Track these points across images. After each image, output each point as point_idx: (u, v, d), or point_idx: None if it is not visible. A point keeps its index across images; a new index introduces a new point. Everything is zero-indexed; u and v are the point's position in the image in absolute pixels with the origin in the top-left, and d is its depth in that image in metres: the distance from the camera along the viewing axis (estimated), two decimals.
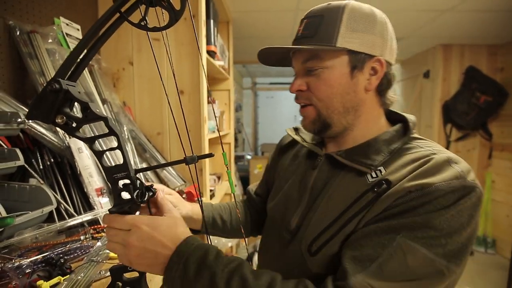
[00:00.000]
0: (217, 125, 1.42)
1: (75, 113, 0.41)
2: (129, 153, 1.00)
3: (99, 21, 0.38)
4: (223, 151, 0.42)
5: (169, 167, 1.13)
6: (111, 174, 0.43)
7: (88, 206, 0.81)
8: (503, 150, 2.61)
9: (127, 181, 0.43)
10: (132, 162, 0.98)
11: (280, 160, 0.72)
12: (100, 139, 0.54)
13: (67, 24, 0.99)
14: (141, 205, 0.45)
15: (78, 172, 0.81)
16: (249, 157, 4.50)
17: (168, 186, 1.07)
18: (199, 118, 1.19)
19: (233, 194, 0.44)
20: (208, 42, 1.31)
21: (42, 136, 0.79)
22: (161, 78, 0.94)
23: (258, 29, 2.18)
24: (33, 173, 0.77)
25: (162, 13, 0.46)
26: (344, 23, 0.48)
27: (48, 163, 0.81)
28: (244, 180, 3.49)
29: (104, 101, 1.05)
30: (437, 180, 0.40)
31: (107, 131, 0.41)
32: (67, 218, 0.74)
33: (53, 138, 0.81)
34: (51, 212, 0.72)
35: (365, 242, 0.42)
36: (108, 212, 0.43)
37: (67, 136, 0.84)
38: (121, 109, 1.13)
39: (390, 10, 1.75)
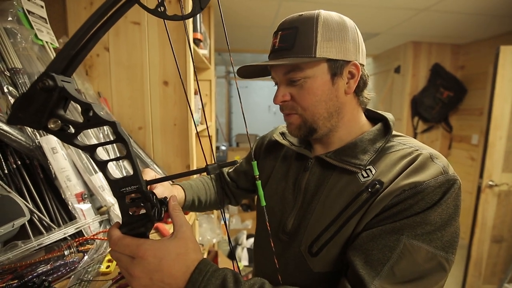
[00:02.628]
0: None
1: (70, 115, 0.34)
2: (110, 151, 0.90)
3: (106, 4, 0.30)
4: (253, 160, 0.38)
5: (154, 165, 1.05)
6: (118, 188, 0.36)
7: (67, 214, 0.71)
8: (461, 141, 2.87)
9: (134, 194, 0.37)
10: (115, 162, 0.88)
11: (267, 159, 0.72)
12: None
13: (29, 0, 0.83)
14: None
15: (53, 176, 0.70)
16: (223, 147, 4.42)
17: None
18: (185, 111, 1.11)
19: (264, 207, 0.40)
20: (194, 29, 1.21)
21: (5, 134, 0.67)
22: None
23: (240, 16, 2.08)
24: None
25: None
26: (320, 34, 0.49)
27: (14, 166, 0.69)
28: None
29: (79, 95, 0.92)
30: (426, 178, 0.44)
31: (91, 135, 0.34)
32: (43, 230, 0.64)
33: (19, 137, 0.69)
34: (23, 225, 0.61)
35: (372, 246, 0.44)
36: (112, 227, 0.37)
37: (37, 133, 0.72)
38: (97, 101, 1.00)
39: (372, 6, 1.77)
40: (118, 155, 0.94)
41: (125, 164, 0.97)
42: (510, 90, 1.82)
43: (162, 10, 0.32)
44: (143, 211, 0.37)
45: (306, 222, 0.53)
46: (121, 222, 0.38)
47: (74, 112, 0.81)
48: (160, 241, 0.37)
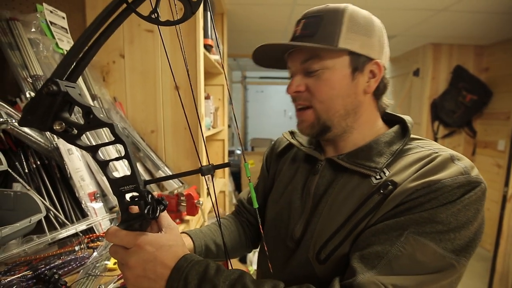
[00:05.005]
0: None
1: (76, 118, 0.36)
2: (122, 152, 0.94)
3: (103, 13, 0.33)
4: (246, 162, 0.39)
5: (165, 167, 1.08)
6: (117, 186, 0.38)
7: (81, 212, 0.75)
8: (486, 147, 2.71)
9: (135, 193, 0.39)
10: (126, 162, 0.92)
11: (278, 166, 0.68)
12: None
13: (51, 12, 0.90)
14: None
15: (68, 175, 0.75)
16: (239, 152, 4.46)
17: (165, 188, 1.02)
18: (195, 115, 1.14)
19: (256, 209, 0.40)
20: (205, 35, 1.25)
21: (26, 137, 0.72)
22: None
23: (252, 22, 2.11)
24: (17, 177, 0.70)
25: (175, 5, 0.41)
26: (345, 25, 0.48)
27: (34, 166, 0.74)
28: (236, 175, 3.46)
29: (94, 97, 0.97)
30: (443, 177, 0.40)
31: (103, 137, 0.36)
32: (57, 226, 0.68)
33: (39, 139, 0.74)
34: (39, 221, 0.65)
35: (373, 240, 0.42)
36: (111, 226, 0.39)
37: (55, 136, 0.77)
38: (112, 105, 1.05)
39: (388, 7, 1.74)
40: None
41: (137, 164, 1.01)
42: None
43: (155, 16, 0.34)
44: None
45: (313, 227, 0.51)
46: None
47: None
48: (155, 234, 0.39)
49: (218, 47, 0.44)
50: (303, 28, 0.50)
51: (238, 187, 3.63)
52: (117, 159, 0.38)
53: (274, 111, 5.54)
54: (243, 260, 2.35)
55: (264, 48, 0.51)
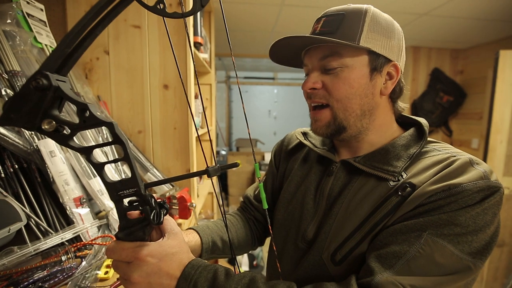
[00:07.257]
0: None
1: (66, 116, 0.33)
2: (109, 154, 0.89)
3: (103, 1, 0.30)
4: (256, 162, 0.37)
5: (154, 169, 1.03)
6: (115, 191, 0.35)
7: (65, 219, 0.69)
8: (461, 145, 2.86)
9: (133, 197, 0.36)
10: (113, 165, 0.87)
11: (288, 165, 0.68)
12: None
13: (28, 3, 0.83)
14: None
15: (51, 180, 0.69)
16: (224, 152, 4.41)
17: (155, 191, 0.98)
18: (186, 115, 1.10)
19: (266, 209, 0.39)
20: (195, 33, 1.21)
21: (1, 138, 0.66)
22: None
23: (240, 21, 2.09)
24: None
25: None
26: (367, 24, 0.48)
27: (11, 169, 0.68)
28: (222, 177, 3.42)
29: (76, 95, 0.91)
30: (463, 181, 0.41)
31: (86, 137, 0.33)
32: (40, 235, 0.63)
33: (17, 140, 0.68)
34: (19, 230, 0.60)
35: (391, 240, 0.42)
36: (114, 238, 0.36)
37: (35, 136, 0.71)
38: (96, 104, 0.99)
39: None
40: (115, 150, 0.93)
41: (125, 168, 0.96)
42: (510, 94, 1.82)
43: (161, 7, 0.31)
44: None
45: (328, 228, 0.50)
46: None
47: (73, 114, 0.81)
48: (156, 242, 0.36)
49: (230, 45, 0.42)
50: (323, 25, 0.49)
51: (224, 188, 3.59)
52: (115, 161, 0.35)
53: (259, 111, 5.53)
54: (233, 262, 2.32)
55: (284, 42, 0.50)
